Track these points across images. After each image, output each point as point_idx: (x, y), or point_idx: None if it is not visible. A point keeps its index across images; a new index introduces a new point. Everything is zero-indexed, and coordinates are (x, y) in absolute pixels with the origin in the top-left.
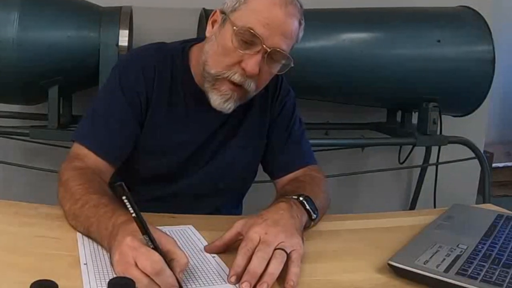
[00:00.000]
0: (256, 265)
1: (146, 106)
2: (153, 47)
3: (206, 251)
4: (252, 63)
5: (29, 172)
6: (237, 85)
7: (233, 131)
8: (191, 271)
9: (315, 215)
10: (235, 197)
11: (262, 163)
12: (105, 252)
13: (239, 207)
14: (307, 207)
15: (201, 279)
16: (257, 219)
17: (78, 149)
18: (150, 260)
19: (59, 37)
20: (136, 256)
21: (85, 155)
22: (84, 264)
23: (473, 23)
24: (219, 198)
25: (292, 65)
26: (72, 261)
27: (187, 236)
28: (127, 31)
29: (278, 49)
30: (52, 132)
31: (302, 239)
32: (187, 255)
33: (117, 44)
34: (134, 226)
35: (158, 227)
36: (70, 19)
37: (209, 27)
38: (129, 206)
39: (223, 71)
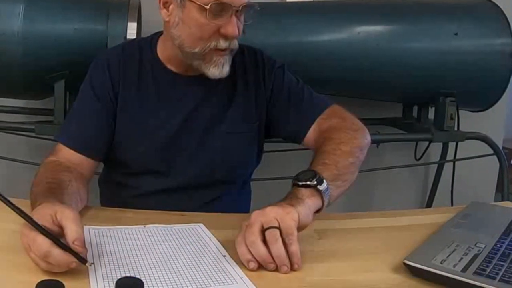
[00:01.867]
0: (255, 252)
1: (116, 97)
2: (122, 43)
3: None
4: (231, 27)
5: (35, 169)
6: (224, 49)
7: (218, 115)
8: (201, 271)
9: (326, 196)
10: (236, 184)
11: (278, 136)
12: (112, 251)
13: (243, 194)
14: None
15: (211, 279)
16: None
17: (56, 145)
18: (37, 245)
19: (65, 30)
20: (27, 243)
21: (59, 150)
22: (92, 263)
23: (491, 16)
24: (218, 187)
25: (258, 8)
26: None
27: (197, 234)
28: (135, 24)
29: (245, 4)
30: (58, 127)
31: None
32: (81, 225)
33: (125, 37)
34: (42, 207)
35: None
36: (77, 11)
37: (163, 11)
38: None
39: (207, 44)
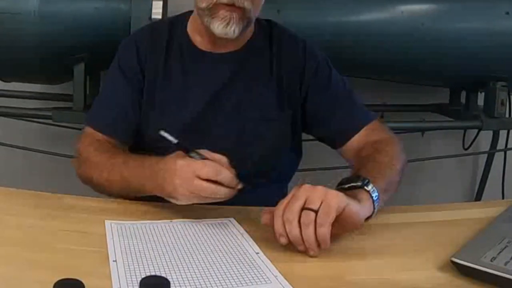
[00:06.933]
0: (288, 230)
1: (143, 77)
2: (152, 23)
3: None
4: None
5: (52, 159)
6: (230, 5)
7: (247, 98)
8: (231, 269)
9: (375, 196)
10: (270, 177)
11: (316, 134)
12: (136, 248)
13: (279, 190)
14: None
15: (242, 278)
16: None
17: (88, 130)
18: (208, 166)
19: (85, 9)
20: (195, 169)
21: (93, 133)
22: (114, 261)
23: None
24: (249, 178)
25: None
26: (100, 258)
27: (228, 229)
28: (160, 3)
29: None
30: (77, 114)
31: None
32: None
33: (150, 18)
34: (172, 154)
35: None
36: None
37: None
38: (168, 136)
39: None
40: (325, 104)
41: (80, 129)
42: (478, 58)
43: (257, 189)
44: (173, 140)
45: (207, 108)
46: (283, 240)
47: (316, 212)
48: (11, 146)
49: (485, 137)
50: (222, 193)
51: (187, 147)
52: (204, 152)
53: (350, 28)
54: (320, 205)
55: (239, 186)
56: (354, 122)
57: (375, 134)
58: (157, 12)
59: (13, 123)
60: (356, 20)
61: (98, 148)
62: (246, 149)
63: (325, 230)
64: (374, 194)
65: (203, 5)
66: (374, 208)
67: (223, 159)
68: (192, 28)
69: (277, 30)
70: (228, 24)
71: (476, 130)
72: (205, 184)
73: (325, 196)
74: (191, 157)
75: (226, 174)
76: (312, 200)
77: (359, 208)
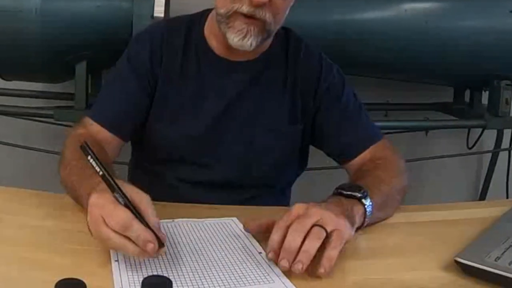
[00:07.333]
0: (290, 240)
1: (155, 77)
2: (167, 19)
3: (245, 228)
4: None
5: (54, 158)
6: (249, 17)
7: (260, 109)
8: (234, 269)
9: (369, 211)
10: (275, 188)
11: (323, 149)
12: None
13: (282, 199)
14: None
15: (245, 277)
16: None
17: (85, 119)
18: (116, 216)
19: (87, 7)
20: (103, 214)
21: (90, 124)
22: (116, 261)
23: None
24: (254, 187)
25: None
26: (102, 258)
27: (230, 229)
28: (163, 1)
29: None
30: (79, 113)
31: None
32: (155, 214)
33: (152, 16)
34: (103, 185)
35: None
36: None
37: None
38: (94, 165)
39: (231, 5)
40: (334, 120)
41: None
42: (482, 56)
43: (259, 199)
44: (98, 170)
45: (220, 117)
46: (270, 256)
47: (327, 232)
48: (13, 145)
49: (490, 136)
50: (130, 251)
51: (113, 182)
52: (134, 192)
53: (353, 26)
54: (333, 231)
55: (160, 251)
56: (361, 141)
57: (380, 152)
58: (159, 10)
59: (14, 122)
60: (359, 18)
61: (76, 143)
62: (254, 160)
63: (336, 253)
64: (368, 209)
65: (222, 11)
66: (363, 223)
67: (148, 210)
68: (209, 31)
69: (294, 41)
70: (245, 36)
71: (480, 129)
72: (111, 234)
73: (338, 225)
74: (114, 196)
75: (137, 232)
76: (326, 222)
77: (351, 233)
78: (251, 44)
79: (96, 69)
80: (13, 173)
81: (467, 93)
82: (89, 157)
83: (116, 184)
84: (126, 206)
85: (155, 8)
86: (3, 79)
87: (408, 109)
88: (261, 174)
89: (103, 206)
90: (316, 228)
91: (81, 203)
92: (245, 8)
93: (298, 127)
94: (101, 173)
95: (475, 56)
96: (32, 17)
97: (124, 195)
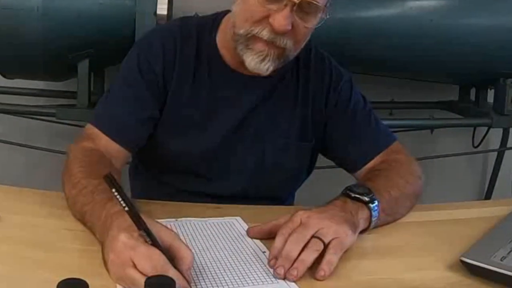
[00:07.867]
0: (288, 250)
1: (166, 87)
2: (178, 22)
3: (249, 235)
4: (279, 18)
5: (56, 157)
6: (270, 43)
7: (271, 125)
8: (238, 268)
9: (375, 216)
10: (282, 199)
11: (334, 159)
12: None
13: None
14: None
15: (248, 277)
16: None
17: (91, 129)
18: (150, 259)
19: (89, 5)
20: (134, 256)
21: (96, 136)
22: None
23: None
24: (261, 201)
25: (324, 14)
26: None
27: (234, 228)
28: None
29: (309, 0)
30: (81, 112)
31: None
32: (192, 249)
33: (155, 13)
34: (128, 219)
35: (159, 221)
36: None
37: None
38: (119, 199)
39: (251, 28)
40: (343, 126)
41: (84, 127)
42: (487, 54)
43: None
44: (123, 205)
45: (231, 132)
46: (272, 263)
47: (324, 244)
48: (14, 143)
49: (495, 135)
50: None
51: (139, 217)
52: (162, 231)
53: (358, 24)
54: (333, 239)
55: None
56: (372, 149)
57: (393, 155)
58: (162, 7)
59: (16, 121)
60: (364, 16)
61: (84, 158)
62: (264, 176)
63: (336, 258)
64: (374, 214)
65: (241, 31)
66: (368, 226)
67: (183, 251)
68: (222, 44)
69: (303, 52)
70: (263, 60)
71: (486, 128)
72: (137, 276)
73: (337, 233)
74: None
75: (171, 275)
76: (325, 233)
77: (352, 240)
78: (267, 69)
79: (98, 67)
80: (15, 172)
81: (473, 92)
82: (113, 190)
83: (143, 222)
84: (153, 245)
85: (158, 6)
86: (5, 77)
87: (413, 108)
88: (270, 189)
89: (134, 247)
90: (314, 240)
91: (89, 228)
92: (265, 34)
93: (308, 144)
94: (126, 209)
95: (480, 54)
96: (34, 15)
97: (151, 235)
